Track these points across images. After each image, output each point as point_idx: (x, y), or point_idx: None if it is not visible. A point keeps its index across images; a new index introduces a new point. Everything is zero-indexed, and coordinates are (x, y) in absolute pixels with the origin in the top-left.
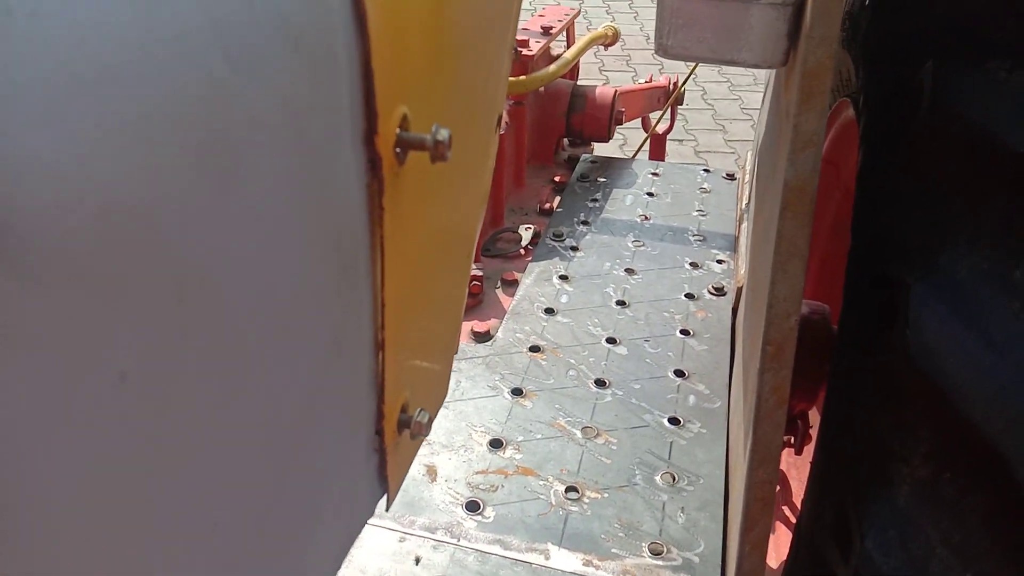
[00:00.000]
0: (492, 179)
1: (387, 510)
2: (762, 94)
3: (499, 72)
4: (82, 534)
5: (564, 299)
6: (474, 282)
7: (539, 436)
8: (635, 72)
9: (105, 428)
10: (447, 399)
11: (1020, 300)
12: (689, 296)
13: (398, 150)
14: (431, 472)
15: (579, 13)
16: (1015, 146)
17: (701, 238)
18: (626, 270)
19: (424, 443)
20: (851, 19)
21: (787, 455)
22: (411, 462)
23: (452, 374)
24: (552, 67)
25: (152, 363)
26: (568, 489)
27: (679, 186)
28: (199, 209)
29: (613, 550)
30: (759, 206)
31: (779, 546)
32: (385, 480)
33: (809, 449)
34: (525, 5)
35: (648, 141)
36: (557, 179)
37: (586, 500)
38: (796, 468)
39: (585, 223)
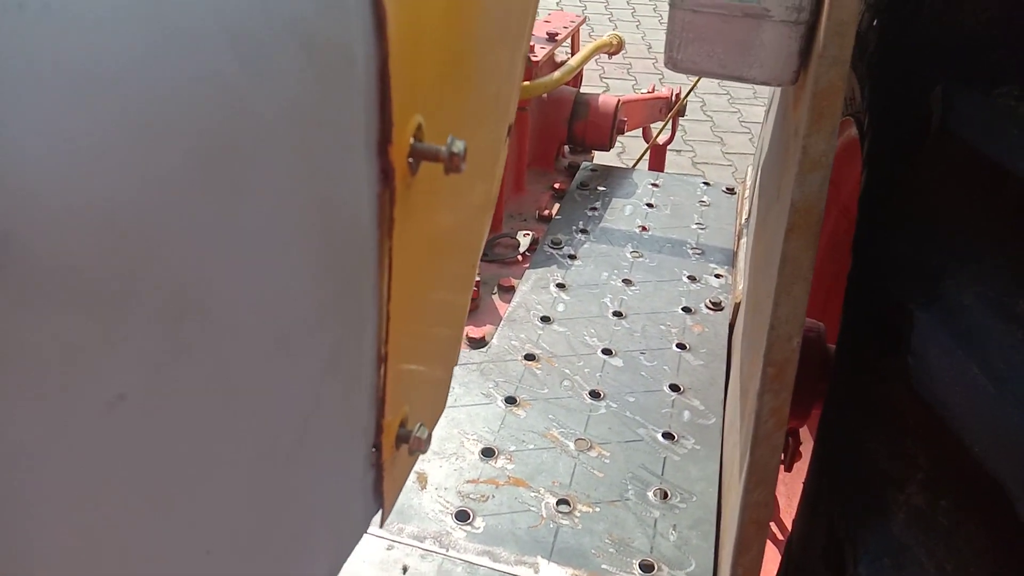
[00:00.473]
0: None
1: (381, 526)
2: (764, 109)
3: (512, 80)
4: (78, 549)
5: (561, 308)
6: None
7: (532, 446)
8: (636, 81)
9: (102, 442)
10: None
11: None
12: (686, 310)
13: (411, 160)
14: (421, 479)
15: (584, 20)
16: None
17: (699, 251)
18: (623, 281)
19: None
20: (859, 38)
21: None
22: (407, 477)
23: None
24: (556, 73)
25: (151, 377)
26: (559, 502)
27: (679, 198)
28: (204, 217)
29: (603, 566)
30: (761, 225)
31: (766, 564)
32: (381, 495)
33: (799, 466)
34: None
35: (648, 151)
36: (557, 186)
37: (577, 514)
38: (785, 485)
39: (584, 231)
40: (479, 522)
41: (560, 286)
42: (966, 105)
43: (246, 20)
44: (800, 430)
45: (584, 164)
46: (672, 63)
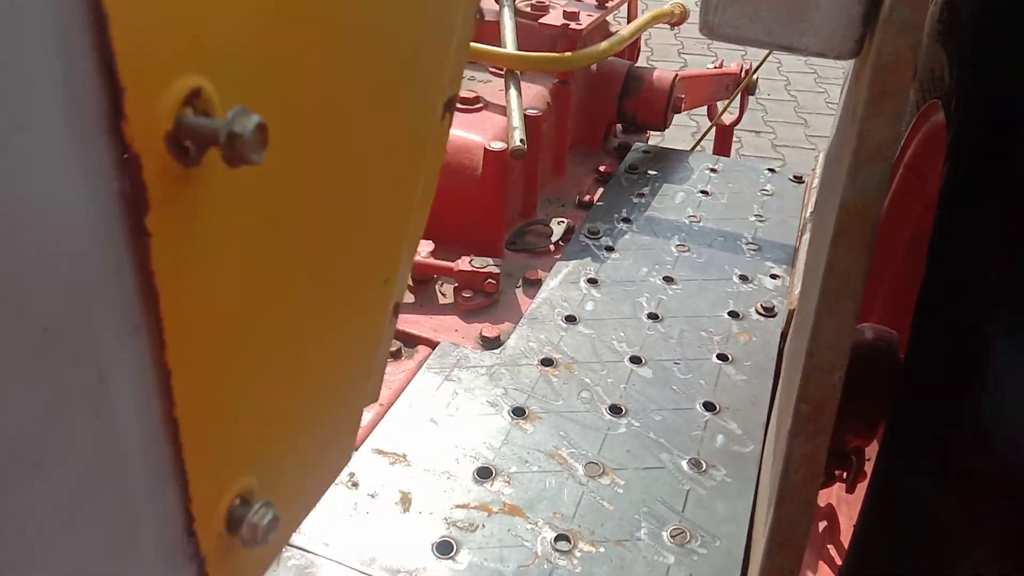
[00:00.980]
0: (527, 165)
1: None
2: (841, 86)
3: (442, 32)
4: None
5: (589, 306)
6: (489, 280)
7: (535, 468)
8: (716, 56)
9: None
10: (438, 412)
11: None
12: (733, 315)
13: (187, 143)
14: (405, 500)
15: None
16: None
17: (756, 247)
18: (664, 278)
19: (403, 464)
20: (950, 8)
21: (838, 489)
22: (268, 564)
23: (449, 384)
24: (604, 44)
25: None
26: (559, 538)
27: (738, 186)
28: None
29: None
30: (817, 223)
31: None
32: None
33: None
34: None
35: (714, 133)
36: (603, 168)
37: (577, 553)
38: (847, 504)
39: (626, 220)
40: (463, 556)
41: (592, 281)
42: None
43: None
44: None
45: (636, 145)
46: (708, 28)
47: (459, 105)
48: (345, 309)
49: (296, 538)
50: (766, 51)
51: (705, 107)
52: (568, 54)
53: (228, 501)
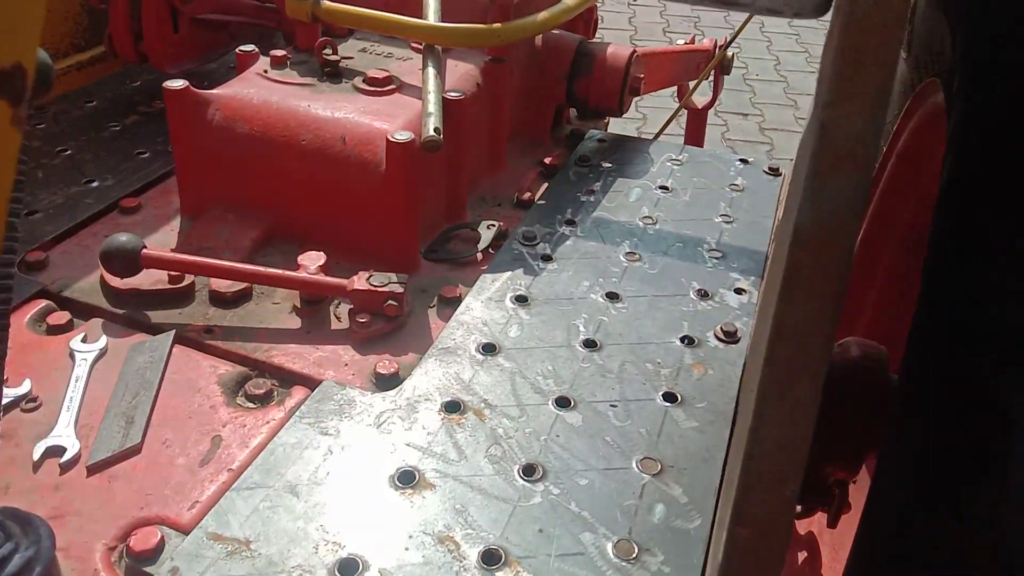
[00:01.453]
0: (451, 158)
1: None
2: None
3: None
4: None
5: (514, 331)
6: (390, 301)
7: (416, 559)
8: (703, 35)
9: None
10: (302, 479)
11: None
12: (686, 340)
13: None
14: None
15: None
16: None
17: (719, 255)
18: (608, 295)
19: (244, 555)
20: None
21: (820, 518)
22: None
23: (323, 439)
24: (543, 14)
25: None
26: None
27: (704, 180)
28: None
29: None
30: (779, 240)
31: None
32: None
33: (847, 519)
34: None
35: (684, 118)
36: (549, 161)
37: None
38: (831, 535)
39: (570, 223)
40: None
41: (520, 300)
42: None
43: None
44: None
45: (590, 133)
46: None
47: (365, 87)
48: None
49: None
50: (745, 21)
51: (666, 87)
52: (497, 25)
53: None
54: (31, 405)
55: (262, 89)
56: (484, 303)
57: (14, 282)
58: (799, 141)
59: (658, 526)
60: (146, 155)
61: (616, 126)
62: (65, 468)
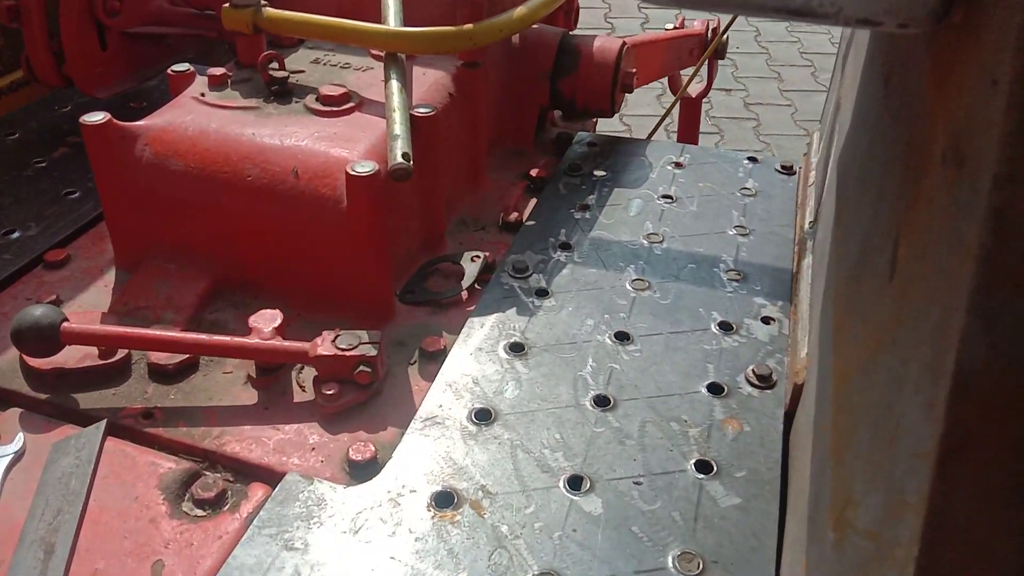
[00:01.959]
0: (424, 182)
1: None
2: (837, 52)
3: None
4: None
5: (511, 390)
6: (361, 368)
7: None
8: (646, 19)
9: None
10: None
11: None
12: (715, 389)
13: None
14: None
15: None
16: None
17: (739, 276)
18: (616, 335)
19: None
20: None
21: None
22: None
23: (288, 556)
24: (521, 9)
25: None
26: None
27: (711, 184)
28: None
29: None
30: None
31: None
32: None
33: None
34: None
35: (678, 108)
36: (535, 173)
37: None
38: None
39: (565, 247)
40: None
41: (515, 348)
42: None
43: None
44: None
45: (578, 136)
46: None
47: (319, 107)
48: None
49: None
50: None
51: (658, 79)
52: (469, 26)
53: None
54: None
55: (199, 116)
56: (474, 355)
57: None
58: (790, 115)
59: None
60: (76, 195)
61: (602, 122)
62: None
